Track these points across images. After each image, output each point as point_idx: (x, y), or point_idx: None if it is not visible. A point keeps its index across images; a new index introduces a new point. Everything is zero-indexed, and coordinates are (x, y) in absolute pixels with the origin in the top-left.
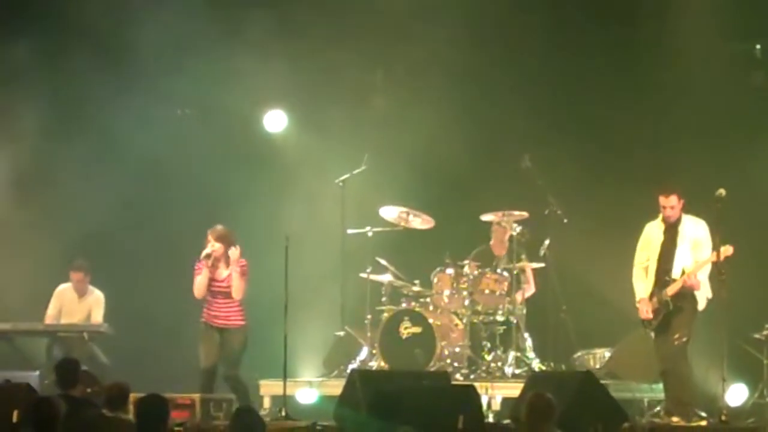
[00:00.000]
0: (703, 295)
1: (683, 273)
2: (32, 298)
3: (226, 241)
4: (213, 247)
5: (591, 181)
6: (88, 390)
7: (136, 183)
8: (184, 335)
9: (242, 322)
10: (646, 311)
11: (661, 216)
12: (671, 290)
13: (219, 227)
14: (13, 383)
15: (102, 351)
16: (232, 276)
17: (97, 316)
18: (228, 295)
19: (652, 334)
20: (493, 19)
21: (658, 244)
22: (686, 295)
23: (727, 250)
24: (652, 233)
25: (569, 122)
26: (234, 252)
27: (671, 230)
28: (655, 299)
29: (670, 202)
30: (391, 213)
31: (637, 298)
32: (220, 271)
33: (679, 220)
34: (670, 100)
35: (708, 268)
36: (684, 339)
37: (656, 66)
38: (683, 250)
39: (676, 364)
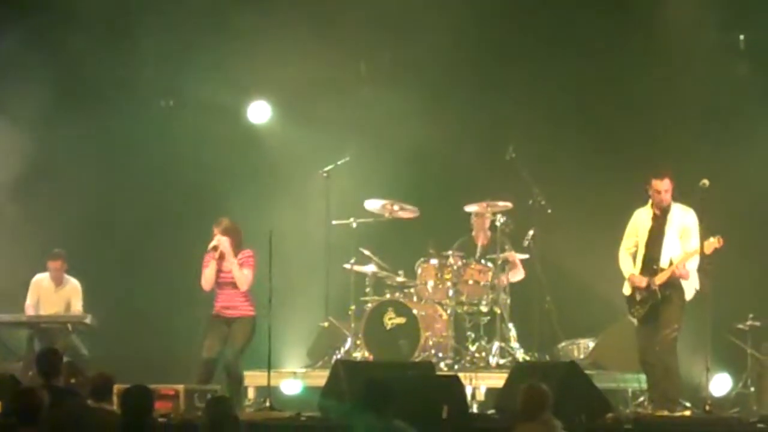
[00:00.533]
0: (691, 286)
1: (671, 263)
2: (9, 289)
3: (232, 233)
4: (219, 240)
5: (575, 171)
6: (72, 380)
7: (119, 174)
8: (167, 326)
9: (251, 313)
10: (639, 281)
11: (650, 202)
12: (659, 279)
13: (224, 220)
14: None
15: (84, 342)
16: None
17: (77, 305)
18: (235, 285)
19: (635, 321)
20: (477, 9)
21: (647, 230)
22: (674, 284)
23: (716, 242)
24: (641, 219)
25: (553, 113)
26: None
27: (660, 217)
28: (642, 288)
29: (664, 186)
30: (375, 205)
31: (627, 275)
32: (227, 262)
33: (668, 208)
34: (655, 91)
35: (697, 258)
36: (674, 334)
37: (641, 56)
38: (671, 238)
39: (664, 357)
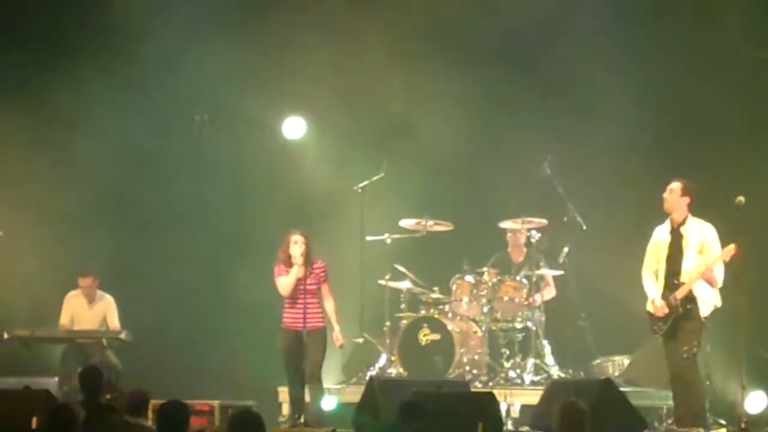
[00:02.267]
0: (711, 302)
1: (690, 277)
2: (43, 304)
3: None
4: (301, 248)
5: (610, 187)
6: (108, 396)
7: (155, 189)
8: (200, 342)
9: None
10: (661, 307)
11: (669, 218)
12: (680, 293)
13: (300, 230)
14: (32, 389)
15: (119, 357)
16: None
17: (113, 321)
18: (314, 295)
19: (660, 340)
20: (510, 25)
21: (666, 246)
22: (693, 298)
23: (732, 249)
24: (661, 236)
25: (588, 129)
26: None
27: (678, 232)
28: (665, 303)
29: (669, 187)
30: (409, 221)
31: (650, 298)
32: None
33: (684, 222)
34: (692, 106)
35: (722, 268)
36: (694, 350)
37: (677, 71)
38: (690, 252)
39: (686, 373)
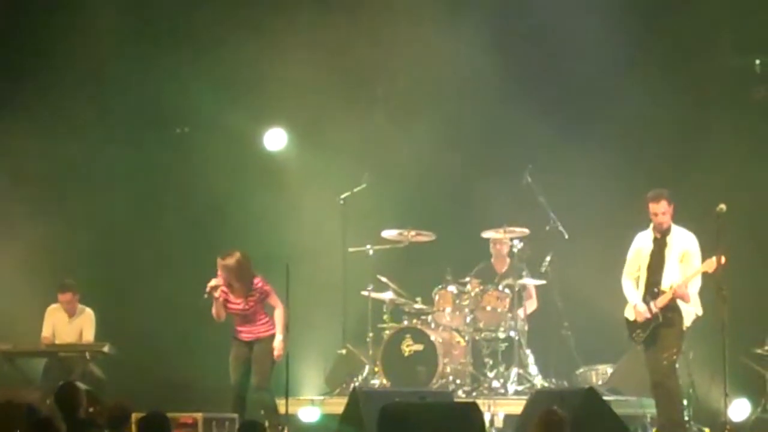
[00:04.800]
0: (692, 311)
1: (671, 286)
2: (24, 318)
3: (236, 271)
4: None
5: (592, 196)
6: (90, 409)
7: (135, 201)
8: (184, 354)
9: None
10: (644, 312)
11: (651, 225)
12: (661, 302)
13: (226, 258)
14: (14, 403)
15: (102, 370)
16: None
17: (88, 335)
18: (257, 311)
19: (640, 348)
20: (494, 36)
21: (648, 254)
22: (675, 307)
23: (716, 261)
24: (643, 243)
25: (570, 139)
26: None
27: (660, 241)
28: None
29: (661, 208)
30: (392, 233)
31: (632, 303)
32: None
33: (668, 231)
34: (671, 115)
35: (698, 282)
36: (674, 357)
37: (657, 80)
38: (672, 261)
39: (666, 380)
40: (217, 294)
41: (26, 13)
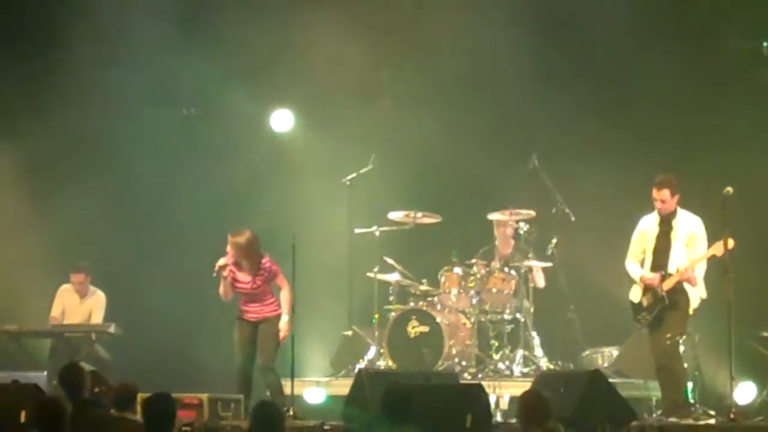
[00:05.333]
0: (697, 295)
1: (678, 269)
2: (33, 298)
3: (245, 249)
4: (227, 255)
5: (598, 179)
6: (96, 390)
7: (143, 182)
8: (192, 335)
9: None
10: (653, 280)
11: (657, 209)
12: (667, 285)
13: (237, 236)
14: (20, 384)
15: (108, 350)
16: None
17: (97, 318)
18: (264, 291)
19: (644, 331)
20: (500, 18)
21: (654, 237)
22: (681, 290)
23: (724, 245)
24: (648, 226)
25: (576, 121)
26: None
27: (666, 224)
28: (650, 294)
29: (662, 196)
30: (398, 214)
31: (637, 278)
32: (243, 274)
33: (674, 214)
34: (678, 98)
35: (704, 266)
36: (677, 338)
37: (663, 64)
38: (678, 244)
39: (669, 362)
40: (225, 273)
41: None
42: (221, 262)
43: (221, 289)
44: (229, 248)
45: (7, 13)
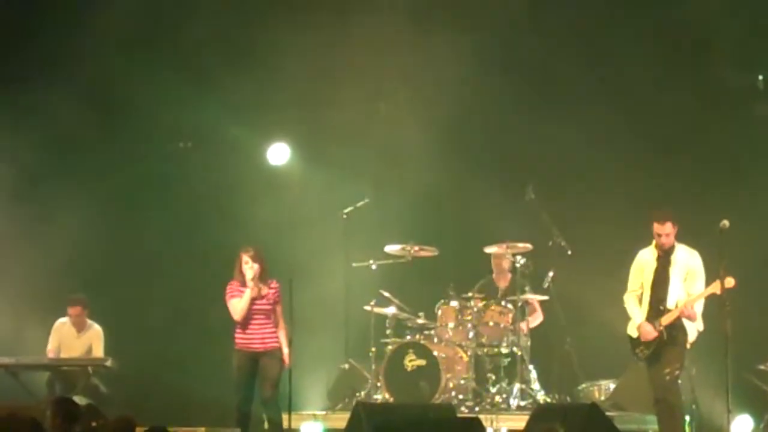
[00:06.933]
0: (695, 328)
1: (677, 305)
2: (30, 331)
3: (262, 260)
4: (253, 268)
5: (594, 212)
6: (93, 424)
7: (138, 215)
8: (188, 368)
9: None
10: (649, 331)
11: (654, 243)
12: (666, 320)
13: (252, 247)
14: (18, 417)
15: (105, 384)
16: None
17: (99, 351)
18: (268, 315)
19: (641, 364)
20: (493, 51)
21: (652, 271)
22: (679, 325)
23: (728, 281)
24: (646, 260)
25: (573, 154)
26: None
27: (664, 258)
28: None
29: (666, 230)
30: (395, 247)
31: (637, 323)
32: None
33: (672, 248)
34: (674, 132)
35: (702, 300)
36: (676, 373)
37: (659, 97)
38: (676, 279)
39: (668, 395)
40: (252, 285)
41: (29, 23)
42: (249, 276)
43: (242, 304)
44: (247, 264)
45: None
